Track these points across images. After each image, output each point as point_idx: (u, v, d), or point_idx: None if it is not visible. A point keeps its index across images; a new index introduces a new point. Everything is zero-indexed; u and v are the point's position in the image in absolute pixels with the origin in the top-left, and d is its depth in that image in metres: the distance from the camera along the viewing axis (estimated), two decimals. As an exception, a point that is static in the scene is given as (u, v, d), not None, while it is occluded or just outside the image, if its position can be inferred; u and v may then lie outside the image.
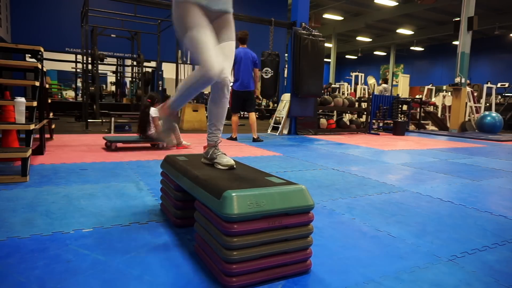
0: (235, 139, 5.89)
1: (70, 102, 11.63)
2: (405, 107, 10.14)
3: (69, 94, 17.21)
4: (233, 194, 1.29)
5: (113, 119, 6.21)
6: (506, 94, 13.74)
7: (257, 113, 13.63)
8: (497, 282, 1.43)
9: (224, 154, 1.86)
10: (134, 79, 11.58)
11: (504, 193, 2.98)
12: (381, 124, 9.82)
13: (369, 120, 8.76)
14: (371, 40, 24.64)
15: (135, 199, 2.34)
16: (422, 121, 10.80)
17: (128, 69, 12.95)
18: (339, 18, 20.27)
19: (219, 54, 1.76)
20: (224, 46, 1.84)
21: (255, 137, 5.93)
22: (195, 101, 15.29)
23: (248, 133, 7.42)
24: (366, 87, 14.05)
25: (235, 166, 1.81)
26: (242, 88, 5.66)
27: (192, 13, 1.69)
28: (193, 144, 5.13)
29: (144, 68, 10.04)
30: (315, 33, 7.20)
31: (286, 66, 8.44)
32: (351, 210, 2.30)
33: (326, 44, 8.69)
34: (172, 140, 1.85)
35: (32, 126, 2.95)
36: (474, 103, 10.86)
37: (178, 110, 2.00)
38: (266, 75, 6.96)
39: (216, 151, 1.86)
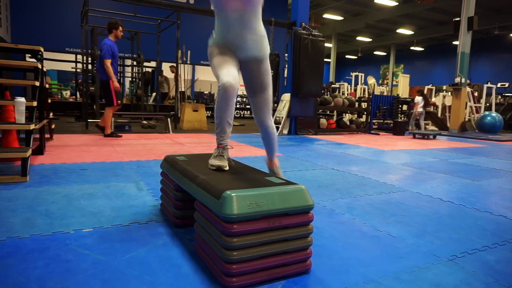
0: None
1: (70, 102, 11.62)
2: (405, 107, 10.14)
3: (69, 94, 17.20)
4: (233, 194, 1.29)
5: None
6: (506, 94, 13.75)
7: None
8: (497, 282, 1.43)
9: (222, 155, 1.81)
10: (134, 79, 11.57)
11: (504, 193, 2.98)
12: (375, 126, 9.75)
13: (369, 120, 8.76)
14: (371, 40, 24.64)
15: (135, 199, 2.34)
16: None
17: (128, 69, 12.93)
18: (339, 18, 20.28)
19: (233, 72, 1.89)
20: (255, 100, 2.09)
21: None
22: (195, 100, 15.32)
23: (248, 133, 7.42)
24: (366, 87, 14.05)
25: (225, 169, 1.76)
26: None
27: (215, 53, 1.98)
28: (193, 144, 5.13)
29: (144, 68, 10.04)
30: (315, 33, 7.20)
31: (286, 66, 8.44)
32: (351, 210, 2.30)
33: (326, 44, 8.69)
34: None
35: (32, 126, 2.95)
36: (474, 103, 10.87)
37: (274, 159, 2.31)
38: (266, 75, 6.95)
39: (215, 151, 1.85)
